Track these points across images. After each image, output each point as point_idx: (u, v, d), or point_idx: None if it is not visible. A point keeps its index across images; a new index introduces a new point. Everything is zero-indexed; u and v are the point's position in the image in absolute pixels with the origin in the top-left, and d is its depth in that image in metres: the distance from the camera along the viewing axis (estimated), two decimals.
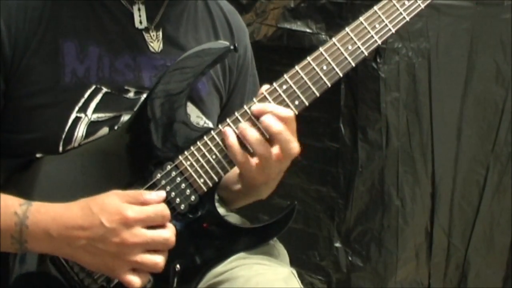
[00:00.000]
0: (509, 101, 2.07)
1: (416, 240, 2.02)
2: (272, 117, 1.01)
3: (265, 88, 1.06)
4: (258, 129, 1.03)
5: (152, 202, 0.99)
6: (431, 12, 1.89)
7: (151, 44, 1.11)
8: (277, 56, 2.00)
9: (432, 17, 1.89)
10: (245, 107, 1.05)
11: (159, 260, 0.98)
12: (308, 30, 1.97)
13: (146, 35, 1.11)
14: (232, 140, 1.02)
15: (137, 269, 0.98)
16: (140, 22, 1.11)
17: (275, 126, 1.01)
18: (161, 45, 1.13)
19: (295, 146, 1.03)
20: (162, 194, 1.02)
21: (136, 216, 0.96)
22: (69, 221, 0.96)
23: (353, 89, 1.92)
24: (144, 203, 0.99)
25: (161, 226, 0.99)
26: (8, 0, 1.03)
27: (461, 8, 1.94)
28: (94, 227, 0.95)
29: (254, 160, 1.03)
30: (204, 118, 1.17)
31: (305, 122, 2.00)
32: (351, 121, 1.94)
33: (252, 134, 1.02)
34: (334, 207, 2.02)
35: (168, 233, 0.99)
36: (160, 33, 1.13)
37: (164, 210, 0.99)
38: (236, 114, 1.05)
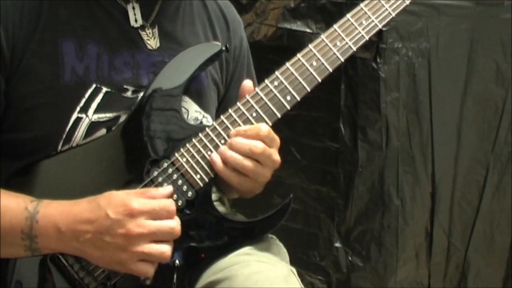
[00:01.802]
0: (509, 101, 2.07)
1: (416, 240, 2.02)
2: (247, 141, 1.04)
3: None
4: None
5: (159, 196, 1.01)
6: (431, 12, 1.89)
7: (148, 42, 1.12)
8: (277, 56, 2.00)
9: (432, 17, 1.90)
10: (238, 103, 1.08)
11: (165, 249, 0.99)
12: (308, 30, 1.97)
13: (142, 33, 1.12)
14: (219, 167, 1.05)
15: (145, 260, 0.99)
16: (136, 21, 1.11)
17: (255, 148, 1.04)
18: (158, 42, 1.13)
19: (276, 159, 1.06)
20: (169, 188, 1.03)
21: (141, 207, 0.97)
22: (77, 215, 0.98)
23: (353, 89, 1.92)
24: (150, 197, 1.00)
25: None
26: (4, 0, 1.03)
27: (461, 8, 1.94)
28: (100, 219, 0.96)
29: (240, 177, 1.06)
30: (202, 112, 1.17)
31: (305, 122, 2.02)
32: (351, 121, 1.95)
33: (231, 157, 1.04)
34: (334, 207, 2.02)
35: (173, 222, 1.00)
36: (156, 30, 1.14)
37: (169, 204, 1.01)
38: (230, 111, 1.08)
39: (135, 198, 0.99)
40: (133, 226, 0.96)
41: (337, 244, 2.02)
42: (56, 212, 0.98)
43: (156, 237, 0.98)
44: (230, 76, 1.26)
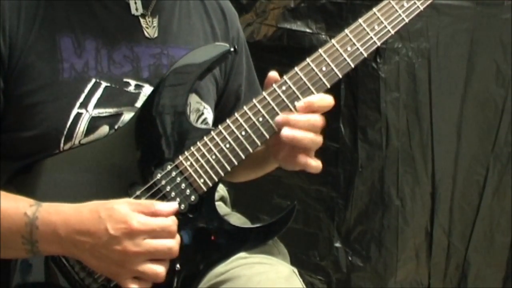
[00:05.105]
0: (509, 101, 2.07)
1: (416, 240, 2.02)
2: (313, 116, 1.04)
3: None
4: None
5: (163, 213, 0.99)
6: (431, 12, 1.89)
7: (147, 30, 1.12)
8: (277, 56, 2.00)
9: (432, 17, 1.90)
10: (245, 107, 1.06)
11: (160, 270, 0.98)
12: (308, 30, 1.97)
13: (142, 21, 1.12)
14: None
15: (139, 277, 0.98)
16: (136, 9, 1.11)
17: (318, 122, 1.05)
18: (156, 32, 1.13)
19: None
20: (174, 205, 1.02)
21: (141, 227, 0.97)
22: (77, 225, 0.97)
23: (353, 89, 1.92)
24: (154, 214, 0.99)
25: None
26: (0, 0, 1.03)
27: (461, 8, 1.94)
28: (99, 232, 0.96)
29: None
30: (203, 103, 1.17)
31: None
32: (351, 121, 1.95)
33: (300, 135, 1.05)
34: (334, 207, 2.02)
35: (172, 242, 0.99)
36: (156, 20, 1.14)
37: (171, 225, 0.99)
38: (236, 115, 1.06)
39: (136, 216, 0.97)
40: (130, 245, 0.96)
41: (337, 244, 2.02)
42: (56, 218, 0.98)
43: (153, 257, 0.98)
44: (229, 68, 1.26)
